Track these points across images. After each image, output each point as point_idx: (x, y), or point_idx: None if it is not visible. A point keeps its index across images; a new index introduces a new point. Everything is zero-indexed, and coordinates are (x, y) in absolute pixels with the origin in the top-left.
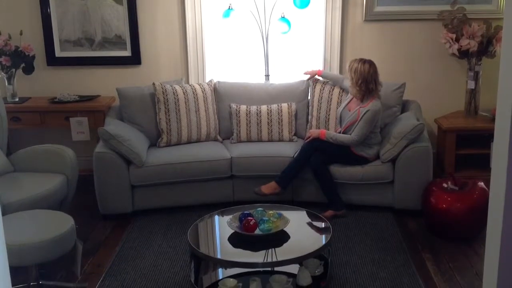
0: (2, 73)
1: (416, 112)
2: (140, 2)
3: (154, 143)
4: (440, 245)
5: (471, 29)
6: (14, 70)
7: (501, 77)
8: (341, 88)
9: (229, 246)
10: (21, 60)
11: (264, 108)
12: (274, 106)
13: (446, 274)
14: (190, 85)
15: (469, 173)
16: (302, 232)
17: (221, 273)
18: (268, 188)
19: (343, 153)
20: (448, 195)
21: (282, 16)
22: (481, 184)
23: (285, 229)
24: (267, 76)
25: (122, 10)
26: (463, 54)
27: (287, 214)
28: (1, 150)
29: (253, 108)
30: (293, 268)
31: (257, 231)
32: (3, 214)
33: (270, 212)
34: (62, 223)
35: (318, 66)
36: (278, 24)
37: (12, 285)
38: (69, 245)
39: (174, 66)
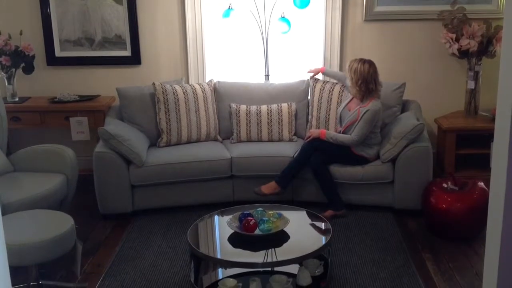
0: (2, 73)
1: (416, 112)
2: (140, 2)
3: (154, 143)
4: (440, 245)
5: (471, 29)
6: (14, 70)
7: (501, 77)
8: (343, 86)
9: (229, 246)
10: (21, 60)
11: (264, 108)
12: (274, 106)
13: (446, 274)
14: (190, 85)
15: (469, 173)
16: (302, 232)
17: (221, 273)
18: (268, 188)
19: (343, 153)
20: (448, 195)
21: (282, 16)
22: (481, 184)
23: (285, 229)
24: (267, 76)
25: (122, 10)
26: (463, 54)
27: (287, 214)
28: (1, 150)
29: (253, 108)
30: (293, 268)
31: (257, 231)
32: (3, 214)
33: (270, 212)
34: (62, 223)
35: (319, 66)
36: (278, 24)
37: (12, 285)
38: (69, 245)
39: (174, 66)
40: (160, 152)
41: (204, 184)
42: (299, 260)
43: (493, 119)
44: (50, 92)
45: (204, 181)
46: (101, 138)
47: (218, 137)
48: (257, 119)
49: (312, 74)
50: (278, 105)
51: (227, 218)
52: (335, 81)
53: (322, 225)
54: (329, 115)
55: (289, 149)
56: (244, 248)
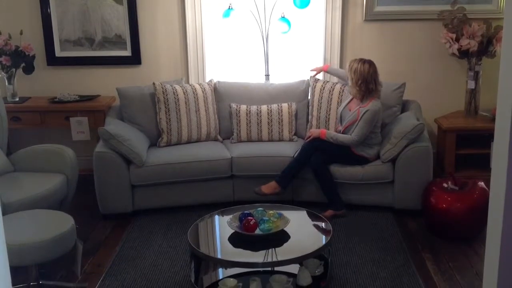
0: (2, 73)
1: (416, 112)
2: (140, 1)
3: (154, 143)
4: (440, 245)
5: (471, 29)
6: (14, 70)
7: (501, 77)
8: (343, 86)
9: (229, 246)
10: (21, 60)
11: (264, 108)
12: (274, 106)
13: (446, 274)
14: (190, 85)
15: (469, 173)
16: (302, 232)
17: (221, 273)
18: (268, 188)
19: (343, 153)
20: (448, 195)
21: (282, 16)
22: (481, 184)
23: (285, 229)
24: (267, 76)
25: (122, 10)
26: (463, 54)
27: (287, 214)
28: (1, 150)
29: (253, 108)
30: (293, 268)
31: (257, 231)
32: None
33: (270, 212)
34: (62, 223)
35: (320, 65)
36: (278, 24)
37: (12, 285)
38: (69, 245)
39: (174, 66)
40: (160, 152)
41: (204, 184)
42: (299, 260)
43: (493, 119)
44: (50, 92)
45: (204, 181)
46: (101, 138)
47: (218, 137)
48: (257, 119)
49: (315, 72)
50: (278, 105)
51: (227, 218)
52: (335, 80)
53: (322, 225)
54: (329, 115)
55: (289, 149)
56: (244, 248)
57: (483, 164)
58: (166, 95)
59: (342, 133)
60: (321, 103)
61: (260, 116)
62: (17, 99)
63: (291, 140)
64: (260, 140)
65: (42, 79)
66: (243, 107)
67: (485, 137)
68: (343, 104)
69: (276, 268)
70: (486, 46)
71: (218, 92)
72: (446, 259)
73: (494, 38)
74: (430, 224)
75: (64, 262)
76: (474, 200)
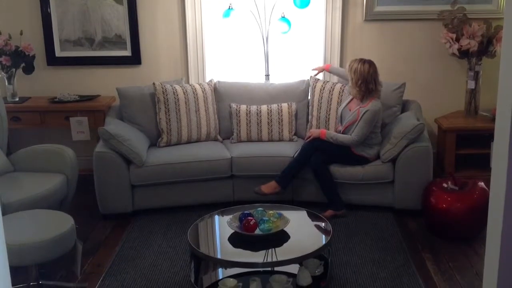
0: (2, 73)
1: (416, 112)
2: (140, 1)
3: (154, 143)
4: (440, 245)
5: (471, 29)
6: (14, 70)
7: (501, 77)
8: (343, 86)
9: (229, 246)
10: (21, 60)
11: (264, 108)
12: (274, 106)
13: (446, 274)
14: (190, 85)
15: (469, 173)
16: (302, 232)
17: (221, 273)
18: (268, 187)
19: (343, 153)
20: (448, 195)
21: (282, 16)
22: (481, 184)
23: (285, 229)
24: (267, 76)
25: (122, 10)
26: (463, 54)
27: (287, 214)
28: (1, 150)
29: (253, 108)
30: (293, 268)
31: (257, 231)
32: (3, 214)
33: (270, 212)
34: (62, 223)
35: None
36: (278, 24)
37: (12, 285)
38: (69, 245)
39: (174, 66)
40: (160, 152)
41: (204, 184)
42: (299, 260)
43: (493, 119)
44: (50, 92)
45: (204, 181)
46: (101, 138)
47: (218, 137)
48: (257, 119)
49: (316, 72)
50: (278, 105)
51: (227, 218)
52: (335, 80)
53: (322, 225)
54: (329, 115)
55: (289, 149)
56: (244, 248)
57: (483, 164)
58: (166, 95)
59: (342, 133)
60: (321, 103)
61: (260, 116)
62: (17, 99)
63: (291, 140)
64: (260, 140)
65: (42, 79)
66: (243, 107)
67: (485, 137)
68: (343, 104)
69: (276, 268)
70: (486, 46)
71: (218, 92)
72: (446, 259)
73: (494, 38)
74: (430, 224)
75: (64, 262)
76: (474, 200)
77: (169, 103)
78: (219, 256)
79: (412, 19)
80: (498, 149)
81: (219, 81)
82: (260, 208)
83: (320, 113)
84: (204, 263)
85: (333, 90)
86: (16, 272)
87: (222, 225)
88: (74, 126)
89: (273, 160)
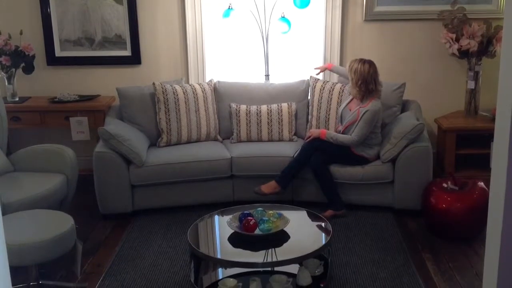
0: (2, 73)
1: (416, 112)
2: (140, 1)
3: (154, 143)
4: (440, 245)
5: (471, 29)
6: (14, 69)
7: (501, 77)
8: (343, 86)
9: (229, 246)
10: (21, 60)
11: (264, 108)
12: (274, 106)
13: (446, 274)
14: (190, 85)
15: (469, 173)
16: (302, 232)
17: (221, 273)
18: (268, 187)
19: (343, 153)
20: (448, 195)
21: (282, 16)
22: (481, 184)
23: (285, 229)
24: (267, 76)
25: (122, 10)
26: (463, 54)
27: (287, 214)
28: (1, 150)
29: (253, 108)
30: (293, 268)
31: (257, 231)
32: (3, 214)
33: (270, 212)
34: (62, 223)
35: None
36: (278, 24)
37: (12, 285)
38: (69, 245)
39: (174, 66)
40: (160, 152)
41: (204, 184)
42: (299, 260)
43: (493, 119)
44: (50, 92)
45: (204, 181)
46: (101, 138)
47: (218, 137)
48: (257, 119)
49: (318, 71)
50: (278, 105)
51: (227, 218)
52: (335, 80)
53: (322, 225)
54: (329, 115)
55: (289, 149)
56: (244, 248)
57: (483, 164)
58: (166, 95)
59: (342, 133)
60: (321, 103)
61: (260, 116)
62: (17, 99)
63: (291, 140)
64: (260, 140)
65: (42, 79)
66: (243, 107)
67: (485, 137)
68: (344, 104)
69: (276, 268)
70: (486, 46)
71: (218, 92)
72: (446, 259)
73: (494, 38)
74: (430, 224)
75: (64, 262)
76: (474, 200)
77: (169, 103)
78: (219, 256)
79: (412, 19)
80: (498, 149)
81: (219, 81)
82: (260, 208)
83: (320, 113)
84: (204, 263)
85: (333, 90)
86: (16, 272)
87: (222, 225)
88: (74, 126)
89: (273, 160)
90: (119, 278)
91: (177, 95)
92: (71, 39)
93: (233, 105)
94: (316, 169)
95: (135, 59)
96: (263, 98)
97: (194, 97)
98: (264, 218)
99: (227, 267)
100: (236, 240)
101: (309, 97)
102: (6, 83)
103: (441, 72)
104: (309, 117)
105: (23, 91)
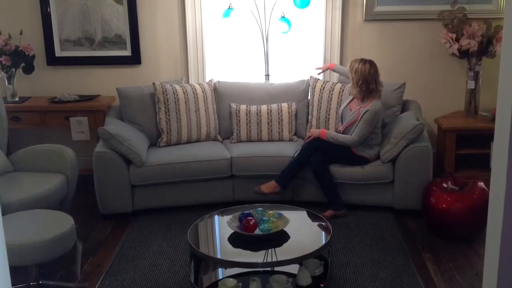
0: (2, 73)
1: (416, 112)
2: (140, 1)
3: (154, 143)
4: (440, 245)
5: (471, 29)
6: (14, 69)
7: (501, 77)
8: (343, 86)
9: (229, 246)
10: (21, 60)
11: (264, 108)
12: (274, 106)
13: (446, 274)
14: (190, 85)
15: (469, 173)
16: (302, 232)
17: (221, 273)
18: (268, 187)
19: (343, 153)
20: (448, 195)
21: (282, 16)
22: (481, 184)
23: (285, 229)
24: (267, 76)
25: (122, 10)
26: (463, 54)
27: (287, 214)
28: (1, 150)
29: (253, 108)
30: (293, 268)
31: (257, 231)
32: (3, 214)
33: (270, 212)
34: (62, 223)
35: (320, 65)
36: (278, 24)
37: (12, 285)
38: (69, 245)
39: (174, 66)
40: (160, 152)
41: (204, 184)
42: (299, 260)
43: (493, 119)
44: (50, 92)
45: (204, 181)
46: (101, 138)
47: (218, 137)
48: (257, 119)
49: (320, 71)
50: (278, 105)
51: (227, 218)
52: (335, 80)
53: (322, 225)
54: (329, 115)
55: (289, 149)
56: (244, 248)
57: (483, 164)
58: (166, 95)
59: (343, 133)
60: (321, 103)
61: (260, 116)
62: (17, 99)
63: (291, 140)
64: (260, 140)
65: (42, 79)
66: (243, 107)
67: (485, 137)
68: (344, 104)
69: (276, 268)
70: (486, 46)
71: (218, 92)
72: (446, 259)
73: (494, 38)
74: (430, 224)
75: (64, 262)
76: (474, 200)
77: (169, 103)
78: (219, 256)
79: (412, 19)
80: (498, 149)
81: (219, 81)
82: (260, 208)
83: (320, 113)
84: (204, 263)
85: (333, 90)
86: (16, 272)
87: (222, 225)
88: (74, 126)
89: (273, 160)
90: (119, 278)
91: (177, 95)
92: (71, 39)
93: (233, 105)
94: (316, 169)
95: (135, 59)
96: (263, 98)
97: (194, 97)
98: (264, 218)
99: (227, 267)
100: (236, 240)
101: (309, 97)
102: (6, 83)
103: (441, 72)
104: (309, 117)
105: (23, 91)
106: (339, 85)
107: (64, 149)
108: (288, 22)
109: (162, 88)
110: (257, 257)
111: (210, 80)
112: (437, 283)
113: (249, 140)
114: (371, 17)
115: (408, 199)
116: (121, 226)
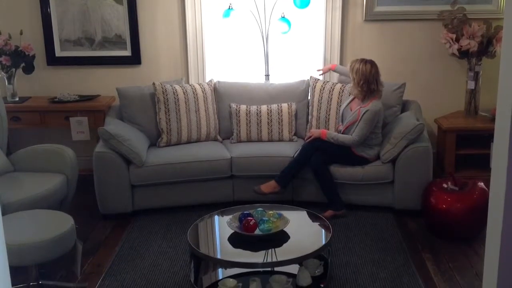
0: (2, 73)
1: (416, 112)
2: (140, 1)
3: (154, 143)
4: (440, 245)
5: (471, 29)
6: (14, 69)
7: (501, 77)
8: (343, 86)
9: (229, 246)
10: (21, 60)
11: (264, 108)
12: (274, 106)
13: (446, 274)
14: (190, 85)
15: (469, 173)
16: (302, 232)
17: (221, 273)
18: (268, 187)
19: (343, 153)
20: (448, 195)
21: (282, 16)
22: (481, 184)
23: (285, 229)
24: (267, 76)
25: (122, 10)
26: (463, 54)
27: (287, 214)
28: (1, 150)
29: (253, 108)
30: (293, 268)
31: (257, 231)
32: (3, 214)
33: (270, 212)
34: (62, 223)
35: (320, 66)
36: (278, 24)
37: (12, 285)
38: (69, 245)
39: (174, 66)
40: (160, 152)
41: (204, 184)
42: (299, 260)
43: (493, 119)
44: (50, 92)
45: (204, 181)
46: (101, 138)
47: (218, 137)
48: (257, 119)
49: (322, 71)
50: (278, 105)
51: (227, 218)
52: (335, 80)
53: (322, 225)
54: (329, 115)
55: (289, 149)
56: (244, 248)
57: (483, 164)
58: (166, 95)
59: (343, 133)
60: (321, 103)
61: (260, 116)
62: (17, 99)
63: (291, 140)
64: (260, 140)
65: (42, 79)
66: (243, 107)
67: (485, 137)
68: (345, 104)
69: (276, 268)
70: (486, 46)
71: (218, 92)
72: (446, 259)
73: (494, 38)
74: (430, 224)
75: (64, 262)
76: (474, 200)
77: (169, 103)
78: (219, 256)
79: (412, 19)
80: (498, 149)
81: (219, 81)
82: (260, 208)
83: (320, 113)
84: (204, 263)
85: (333, 90)
86: (16, 272)
87: (222, 225)
88: (74, 126)
89: (273, 160)
90: (119, 278)
91: (177, 95)
92: (71, 39)
93: (233, 105)
94: (316, 169)
95: (135, 59)
96: (263, 98)
97: (194, 97)
98: (264, 218)
99: (227, 267)
100: (236, 240)
101: (309, 97)
102: (6, 83)
103: (441, 72)
104: (309, 117)
105: (23, 91)
106: (339, 85)
107: (64, 149)
108: (288, 22)
109: (162, 88)
110: (257, 257)
111: (210, 80)
112: (437, 283)
113: (249, 140)
114: (371, 17)
115: (408, 199)
116: (121, 226)
